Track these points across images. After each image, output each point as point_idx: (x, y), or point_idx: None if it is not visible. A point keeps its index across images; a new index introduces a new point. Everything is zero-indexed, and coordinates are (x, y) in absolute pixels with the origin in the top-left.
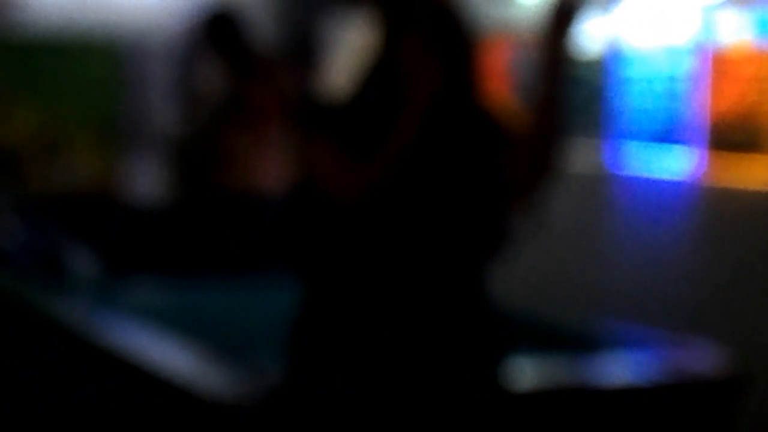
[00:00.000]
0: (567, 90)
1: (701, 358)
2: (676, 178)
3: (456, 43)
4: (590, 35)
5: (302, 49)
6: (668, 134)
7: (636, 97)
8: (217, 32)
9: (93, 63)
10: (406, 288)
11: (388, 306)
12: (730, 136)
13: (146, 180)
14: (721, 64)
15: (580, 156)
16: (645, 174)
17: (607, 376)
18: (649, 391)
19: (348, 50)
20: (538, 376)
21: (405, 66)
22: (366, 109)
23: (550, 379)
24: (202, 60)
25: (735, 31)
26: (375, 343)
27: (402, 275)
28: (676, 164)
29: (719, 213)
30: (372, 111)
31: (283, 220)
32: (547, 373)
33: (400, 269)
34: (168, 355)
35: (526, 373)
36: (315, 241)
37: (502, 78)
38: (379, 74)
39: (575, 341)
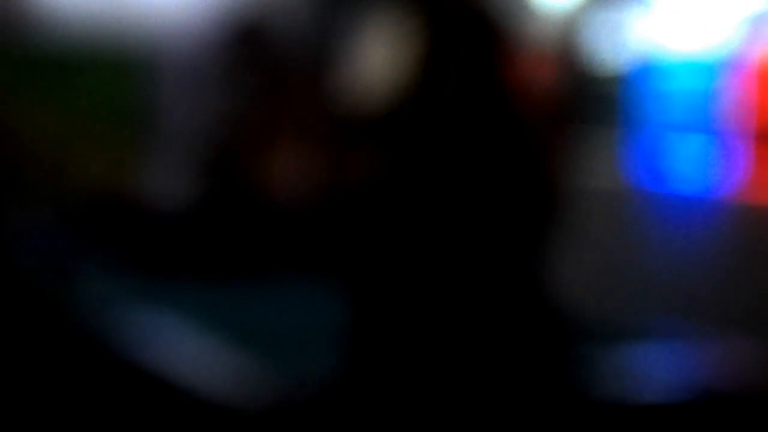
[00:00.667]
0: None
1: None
2: (713, 194)
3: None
4: (621, 42)
5: (332, 49)
6: (705, 146)
7: (672, 109)
8: (250, 46)
9: (110, 65)
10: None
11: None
12: None
13: (167, 184)
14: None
15: (607, 169)
16: (680, 190)
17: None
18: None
19: (374, 56)
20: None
21: None
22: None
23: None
24: (229, 74)
25: None
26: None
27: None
28: (713, 179)
29: (756, 229)
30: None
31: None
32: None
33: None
34: (190, 360)
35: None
36: (361, 248)
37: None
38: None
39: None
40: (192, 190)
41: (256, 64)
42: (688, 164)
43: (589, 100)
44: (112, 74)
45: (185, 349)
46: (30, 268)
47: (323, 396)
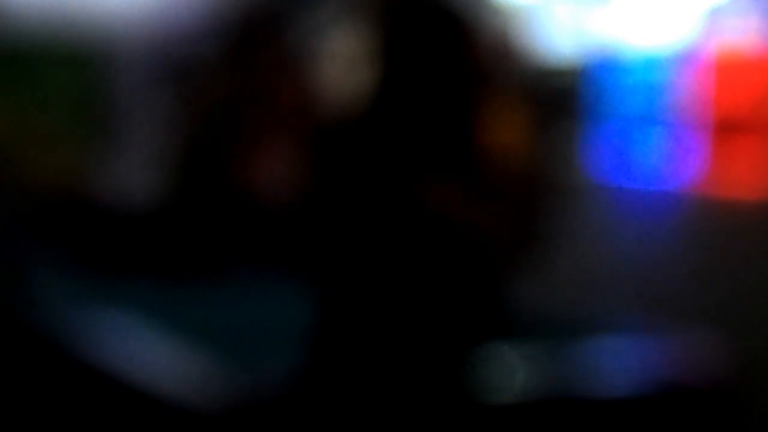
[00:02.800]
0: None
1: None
2: (669, 187)
3: None
4: (581, 35)
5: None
6: (663, 139)
7: (630, 100)
8: (252, 37)
9: (67, 55)
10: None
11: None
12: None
13: (126, 180)
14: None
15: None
16: (636, 184)
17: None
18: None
19: (339, 56)
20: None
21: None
22: None
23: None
24: (229, 61)
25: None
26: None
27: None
28: (670, 171)
29: (716, 221)
30: None
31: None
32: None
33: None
34: (146, 359)
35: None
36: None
37: None
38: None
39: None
40: (151, 188)
41: (233, 60)
42: (648, 157)
43: (547, 93)
44: (68, 68)
45: (143, 349)
46: None
47: (283, 396)
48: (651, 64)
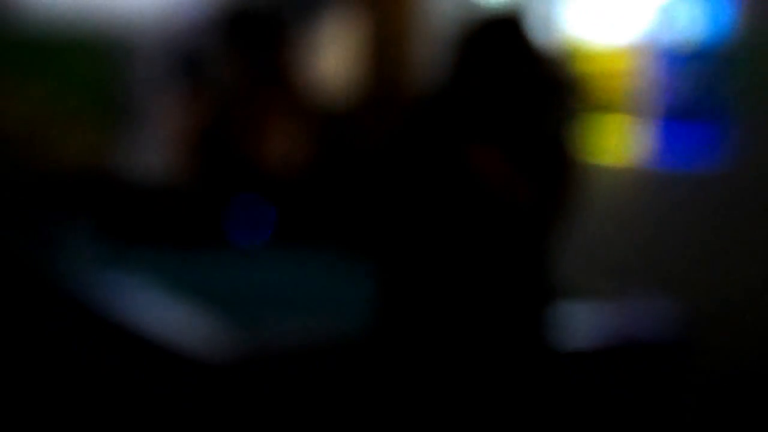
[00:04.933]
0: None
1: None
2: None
3: None
4: (551, 30)
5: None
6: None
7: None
8: (242, 29)
9: (89, 46)
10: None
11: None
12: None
13: (143, 159)
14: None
15: None
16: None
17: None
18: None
19: (334, 47)
20: None
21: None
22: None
23: None
24: (225, 53)
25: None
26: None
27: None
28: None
29: (666, 191)
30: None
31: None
32: None
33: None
34: (156, 317)
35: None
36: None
37: None
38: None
39: None
40: (167, 165)
41: (248, 46)
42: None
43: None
44: (91, 57)
45: (160, 308)
46: (15, 238)
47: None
48: (613, 55)
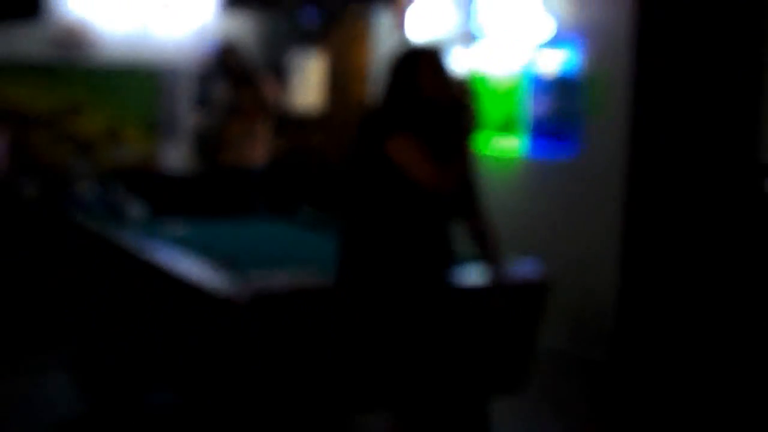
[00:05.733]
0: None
1: (527, 269)
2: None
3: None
4: (459, 64)
5: (276, 71)
6: (508, 128)
7: (490, 102)
8: (224, 58)
9: (141, 81)
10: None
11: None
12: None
13: (176, 158)
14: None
15: None
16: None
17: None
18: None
19: (309, 75)
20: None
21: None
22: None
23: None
24: (215, 77)
25: (547, 61)
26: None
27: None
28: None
29: (535, 177)
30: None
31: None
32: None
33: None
34: (190, 266)
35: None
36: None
37: None
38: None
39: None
40: (189, 162)
41: (229, 70)
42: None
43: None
44: (142, 81)
45: (194, 263)
46: (95, 207)
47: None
48: (504, 85)
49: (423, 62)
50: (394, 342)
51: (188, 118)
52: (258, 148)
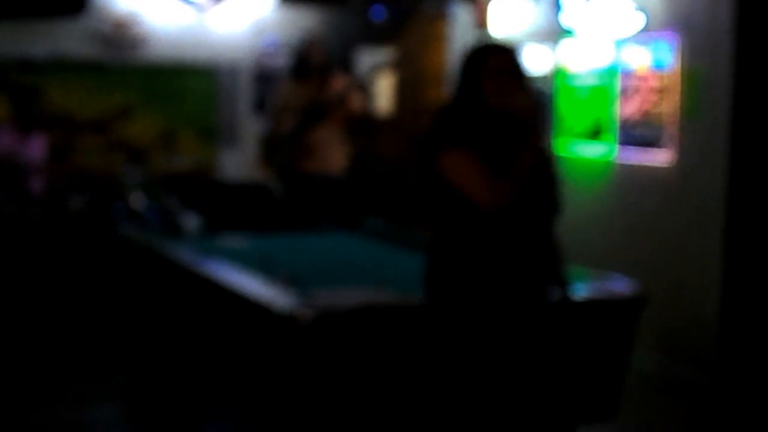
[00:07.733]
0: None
1: (618, 285)
2: (602, 160)
3: None
4: (543, 62)
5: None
6: (596, 132)
7: (575, 104)
8: (309, 55)
9: (197, 81)
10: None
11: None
12: (635, 133)
13: (236, 166)
14: (629, 81)
15: None
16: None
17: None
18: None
19: (378, 76)
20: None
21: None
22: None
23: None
24: (297, 79)
25: (637, 59)
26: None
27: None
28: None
29: (628, 184)
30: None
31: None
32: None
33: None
34: (249, 283)
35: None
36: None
37: None
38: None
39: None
40: (250, 171)
41: (313, 72)
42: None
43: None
44: (199, 81)
45: (254, 280)
46: (147, 219)
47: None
48: (592, 81)
49: (490, 63)
50: (479, 366)
51: (249, 121)
52: (339, 155)
